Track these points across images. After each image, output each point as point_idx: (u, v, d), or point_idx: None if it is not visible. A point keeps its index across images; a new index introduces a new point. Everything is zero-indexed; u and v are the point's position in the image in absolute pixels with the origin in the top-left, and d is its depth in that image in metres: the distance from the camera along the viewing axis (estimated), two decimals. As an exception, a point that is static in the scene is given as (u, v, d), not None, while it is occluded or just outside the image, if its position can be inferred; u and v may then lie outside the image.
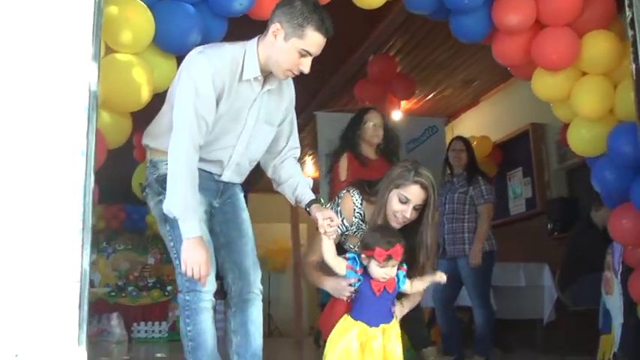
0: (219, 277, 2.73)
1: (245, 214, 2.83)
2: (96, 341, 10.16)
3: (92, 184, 2.61)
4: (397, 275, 2.73)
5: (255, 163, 2.85)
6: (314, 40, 2.54)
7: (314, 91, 8.31)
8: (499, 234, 7.85)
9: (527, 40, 3.95)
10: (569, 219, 6.66)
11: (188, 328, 2.59)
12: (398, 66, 7.46)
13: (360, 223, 3.13)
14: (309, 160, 10.84)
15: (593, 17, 3.90)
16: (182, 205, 2.43)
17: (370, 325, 2.67)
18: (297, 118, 9.60)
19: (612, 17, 3.83)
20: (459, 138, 5.82)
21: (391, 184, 2.97)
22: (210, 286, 2.57)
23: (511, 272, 6.45)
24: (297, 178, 2.87)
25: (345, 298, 2.83)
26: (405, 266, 2.80)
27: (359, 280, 2.71)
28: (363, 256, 2.70)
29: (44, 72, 2.55)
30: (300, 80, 8.34)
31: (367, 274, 2.71)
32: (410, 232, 2.98)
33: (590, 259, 4.91)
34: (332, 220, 2.69)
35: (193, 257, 2.44)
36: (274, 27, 2.55)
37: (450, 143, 5.78)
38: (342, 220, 3.08)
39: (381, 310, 2.70)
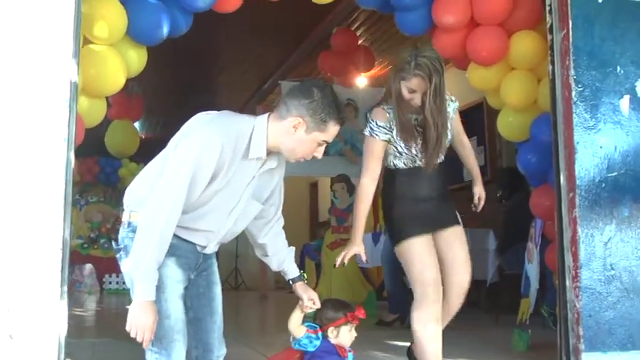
0: None
1: (217, 289, 2.72)
2: (68, 292, 10.52)
3: (72, 164, 3.07)
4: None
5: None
6: (333, 132, 2.53)
7: (279, 61, 8.72)
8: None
9: (463, 36, 4.43)
10: (515, 188, 7.13)
11: None
12: (360, 39, 7.87)
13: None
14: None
15: (521, 18, 4.37)
16: (145, 267, 2.30)
17: None
18: (264, 85, 10.03)
19: (539, 19, 4.23)
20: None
21: (397, 76, 3.08)
22: None
23: (458, 236, 6.93)
24: (284, 252, 2.84)
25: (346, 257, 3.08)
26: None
27: (315, 332, 2.71)
28: (331, 328, 2.70)
29: (31, 70, 2.97)
30: (266, 50, 8.72)
31: (328, 345, 2.72)
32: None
33: (525, 229, 5.40)
34: (314, 303, 2.73)
35: (142, 321, 2.29)
36: (295, 120, 2.45)
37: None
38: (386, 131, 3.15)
39: None
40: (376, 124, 3.14)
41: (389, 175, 3.32)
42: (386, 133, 3.14)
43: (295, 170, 5.64)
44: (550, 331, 4.96)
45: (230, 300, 10.57)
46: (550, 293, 5.24)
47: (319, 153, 2.58)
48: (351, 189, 7.75)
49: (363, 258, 3.17)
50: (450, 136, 3.27)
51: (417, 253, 3.19)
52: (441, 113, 3.12)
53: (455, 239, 3.33)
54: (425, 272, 3.16)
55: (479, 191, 3.50)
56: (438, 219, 3.30)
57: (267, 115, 2.56)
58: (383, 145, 3.17)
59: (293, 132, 2.48)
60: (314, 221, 13.96)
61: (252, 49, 8.48)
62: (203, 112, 2.56)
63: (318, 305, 2.74)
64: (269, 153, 2.55)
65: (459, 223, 3.38)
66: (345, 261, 3.12)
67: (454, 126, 3.35)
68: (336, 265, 3.18)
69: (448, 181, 3.47)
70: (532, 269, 4.69)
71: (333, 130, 2.52)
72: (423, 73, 2.98)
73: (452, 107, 3.28)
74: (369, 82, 8.90)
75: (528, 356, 4.30)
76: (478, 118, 8.18)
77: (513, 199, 6.61)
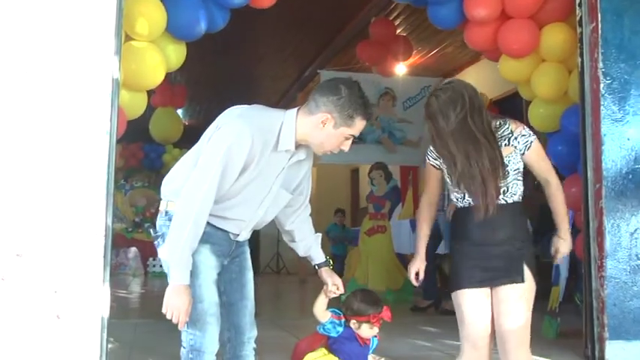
0: None
1: (249, 275, 2.84)
2: (113, 274, 10.82)
3: (114, 156, 3.25)
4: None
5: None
6: (360, 127, 2.64)
7: (318, 51, 8.84)
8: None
9: (494, 29, 4.51)
10: (554, 176, 7.13)
11: None
12: (398, 28, 7.92)
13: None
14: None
15: (552, 11, 4.43)
16: (179, 252, 2.43)
17: None
18: (304, 74, 10.05)
19: (569, 11, 4.29)
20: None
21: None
22: (214, 346, 2.57)
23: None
24: (310, 239, 2.95)
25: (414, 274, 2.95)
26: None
27: (339, 319, 2.83)
28: (353, 321, 2.79)
29: (75, 67, 3.16)
30: (305, 40, 8.80)
31: (350, 332, 2.83)
32: None
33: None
34: (338, 288, 2.84)
35: (177, 303, 2.42)
36: (323, 116, 2.57)
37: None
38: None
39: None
40: (430, 149, 2.96)
41: (455, 215, 2.97)
42: (435, 159, 2.94)
43: (334, 158, 5.76)
44: (582, 319, 5.02)
45: (270, 284, 10.94)
46: (582, 282, 5.29)
47: (346, 146, 2.67)
48: (389, 176, 7.84)
49: (421, 276, 2.95)
50: (511, 175, 2.81)
51: (468, 310, 2.81)
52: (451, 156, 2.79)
53: (509, 299, 2.78)
54: (471, 335, 2.81)
55: (557, 244, 3.00)
56: (499, 271, 2.79)
57: (296, 109, 2.68)
58: (432, 168, 2.96)
59: (321, 127, 2.58)
60: (355, 207, 14.06)
61: (290, 40, 8.60)
62: (234, 107, 2.69)
63: (341, 290, 2.86)
64: (298, 145, 2.65)
65: (522, 279, 2.79)
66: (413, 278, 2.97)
67: (530, 162, 2.89)
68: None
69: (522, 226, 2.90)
70: (562, 258, 4.74)
71: (359, 125, 2.62)
72: (427, 113, 2.80)
73: (520, 140, 2.83)
74: (407, 71, 8.96)
75: (557, 343, 4.38)
76: (516, 106, 8.18)
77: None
